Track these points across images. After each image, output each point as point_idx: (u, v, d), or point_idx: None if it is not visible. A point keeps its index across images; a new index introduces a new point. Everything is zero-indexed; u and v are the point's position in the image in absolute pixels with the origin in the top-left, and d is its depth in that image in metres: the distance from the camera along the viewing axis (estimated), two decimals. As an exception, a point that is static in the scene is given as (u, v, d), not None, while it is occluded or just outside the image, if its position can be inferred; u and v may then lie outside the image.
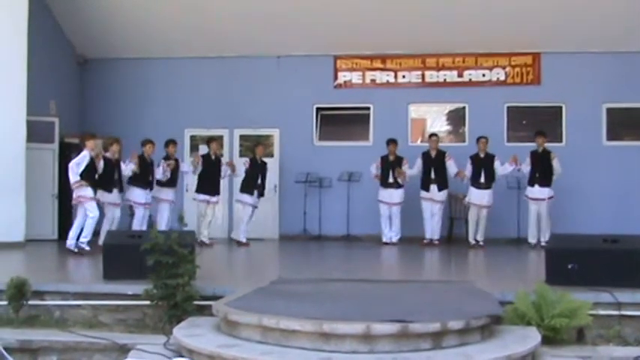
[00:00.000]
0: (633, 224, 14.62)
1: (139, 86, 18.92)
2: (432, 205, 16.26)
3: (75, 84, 18.92)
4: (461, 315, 6.57)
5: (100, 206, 14.12)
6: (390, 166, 16.42)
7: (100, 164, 14.08)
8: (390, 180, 16.40)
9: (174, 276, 8.10)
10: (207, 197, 16.20)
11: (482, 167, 15.82)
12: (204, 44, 18.26)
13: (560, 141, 17.54)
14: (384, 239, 16.43)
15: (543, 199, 15.45)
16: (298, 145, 18.10)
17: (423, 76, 18.46)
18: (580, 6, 16.26)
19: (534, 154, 15.68)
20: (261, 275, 10.22)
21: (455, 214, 17.19)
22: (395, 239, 16.36)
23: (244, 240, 16.21)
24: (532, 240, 15.58)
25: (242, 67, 18.64)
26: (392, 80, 18.56)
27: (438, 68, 18.39)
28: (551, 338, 7.29)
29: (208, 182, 16.20)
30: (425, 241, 16.21)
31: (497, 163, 15.73)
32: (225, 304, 7.23)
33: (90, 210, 13.52)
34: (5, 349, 7.43)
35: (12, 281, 8.33)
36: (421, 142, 18.58)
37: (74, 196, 13.64)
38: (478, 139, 16.10)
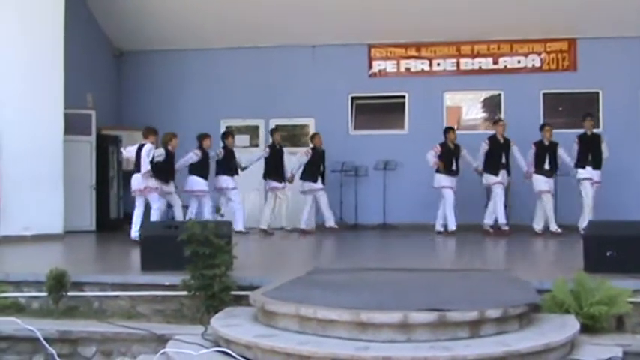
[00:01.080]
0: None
1: (174, 78, 19.00)
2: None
3: (111, 76, 19.07)
4: (499, 303, 6.54)
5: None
6: (452, 153, 16.27)
7: (162, 153, 14.51)
8: (453, 167, 16.25)
9: (210, 266, 8.12)
10: (276, 184, 16.71)
11: (549, 154, 15.72)
12: (239, 35, 18.29)
13: (598, 127, 17.38)
14: (438, 228, 16.34)
15: (597, 182, 15.31)
16: (334, 135, 18.05)
17: (457, 63, 18.41)
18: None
19: (583, 137, 15.54)
20: (298, 265, 10.24)
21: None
22: (454, 227, 16.12)
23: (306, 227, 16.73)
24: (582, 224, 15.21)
25: (277, 57, 18.66)
26: (427, 68, 18.52)
27: (473, 55, 18.33)
28: (590, 326, 7.24)
29: (274, 171, 16.67)
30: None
31: (560, 151, 15.58)
32: (262, 294, 7.24)
33: (153, 201, 13.98)
34: (45, 339, 7.51)
35: (52, 272, 8.39)
36: (457, 129, 18.51)
37: (140, 186, 13.97)
38: (543, 126, 15.98)
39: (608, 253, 8.52)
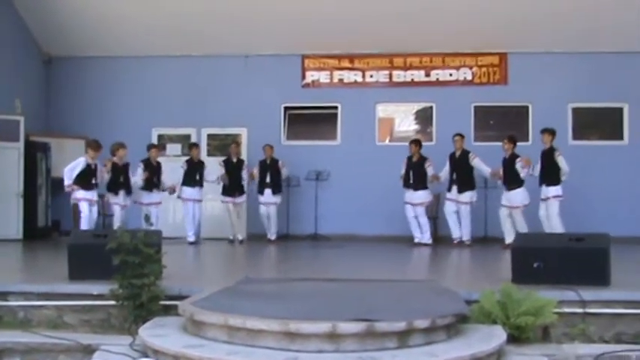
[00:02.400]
0: (597, 223, 14.70)
1: (105, 85, 18.81)
2: (458, 205, 16.04)
3: (40, 82, 18.80)
4: (427, 314, 6.57)
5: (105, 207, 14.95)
6: (413, 166, 16.24)
7: (106, 168, 14.67)
8: (411, 180, 16.19)
9: (139, 276, 8.03)
10: (233, 199, 16.84)
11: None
12: (172, 43, 18.19)
13: (527, 140, 17.63)
14: (416, 240, 16.24)
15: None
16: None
17: (390, 75, 18.53)
18: (546, 7, 16.37)
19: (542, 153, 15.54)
20: (228, 275, 10.19)
21: (436, 213, 17.14)
22: (426, 239, 16.14)
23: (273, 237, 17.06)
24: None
25: (210, 66, 18.60)
26: (360, 80, 18.60)
27: (406, 68, 18.46)
28: (517, 337, 7.31)
29: (233, 184, 16.79)
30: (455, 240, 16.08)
31: (518, 165, 15.61)
32: (191, 303, 7.18)
33: (82, 210, 14.01)
34: (-32, 350, 7.37)
35: (-25, 282, 8.24)
36: (389, 141, 18.65)
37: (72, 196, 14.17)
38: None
39: (535, 265, 8.61)
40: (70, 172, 13.92)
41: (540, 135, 15.41)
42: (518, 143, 15.86)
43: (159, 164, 15.97)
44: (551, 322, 7.64)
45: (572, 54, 17.76)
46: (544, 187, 15.04)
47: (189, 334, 6.79)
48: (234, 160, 16.90)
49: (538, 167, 15.18)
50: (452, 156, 15.99)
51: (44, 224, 17.40)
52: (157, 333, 6.82)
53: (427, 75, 18.48)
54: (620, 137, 18.09)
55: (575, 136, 18.05)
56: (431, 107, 18.64)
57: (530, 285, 8.13)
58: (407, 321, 6.30)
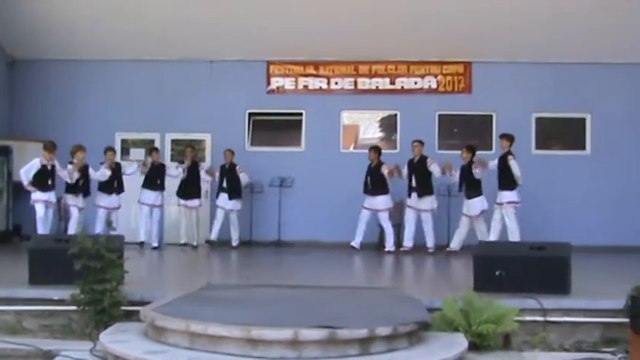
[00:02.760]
0: (559, 232, 14.81)
1: (69, 88, 18.65)
2: (417, 213, 16.13)
3: (3, 85, 18.61)
4: (389, 321, 6.58)
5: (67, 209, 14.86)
6: (372, 172, 16.31)
7: (75, 166, 14.69)
8: (370, 186, 16.27)
9: (101, 281, 7.98)
10: (186, 202, 16.73)
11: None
12: (137, 47, 18.09)
13: (491, 149, 17.73)
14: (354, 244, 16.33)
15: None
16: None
17: (355, 83, 18.55)
18: (510, 17, 16.48)
19: (410, 163, 15.97)
20: (190, 281, 10.15)
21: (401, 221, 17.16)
22: (389, 247, 16.23)
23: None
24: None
25: (174, 71, 18.52)
26: (325, 87, 18.60)
27: (371, 75, 18.49)
28: (478, 344, 7.35)
29: (189, 187, 16.75)
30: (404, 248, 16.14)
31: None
32: (152, 309, 7.15)
33: (37, 211, 14.04)
34: None
35: None
36: (354, 148, 18.68)
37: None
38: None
39: (497, 273, 8.65)
40: (25, 173, 14.00)
41: (499, 140, 15.64)
42: (482, 152, 15.99)
43: (118, 166, 15.93)
44: (512, 330, 7.69)
45: (537, 64, 17.89)
46: (499, 192, 15.26)
47: (150, 340, 6.76)
48: (189, 163, 16.78)
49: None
50: (411, 162, 16.07)
51: (5, 228, 17.21)
52: (118, 339, 6.78)
53: (392, 83, 18.52)
54: (583, 147, 18.24)
55: (539, 146, 18.20)
56: (395, 115, 18.68)
57: (492, 293, 8.17)
58: (369, 328, 6.32)
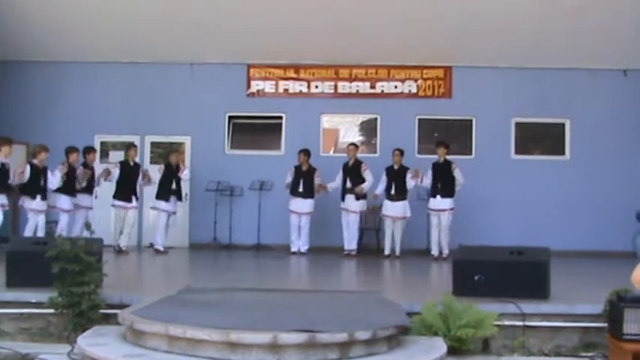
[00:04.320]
0: (538, 236, 14.79)
1: (48, 90, 18.55)
2: (349, 215, 16.28)
3: (-19, 86, 18.50)
4: (368, 325, 6.59)
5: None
6: (302, 175, 16.45)
7: (27, 170, 14.12)
8: (300, 189, 16.42)
9: (79, 284, 7.96)
10: (124, 204, 16.08)
11: (396, 179, 15.95)
12: (117, 49, 18.00)
13: (470, 154, 17.80)
14: (293, 249, 16.47)
15: (444, 210, 15.60)
16: (209, 153, 18.01)
17: (335, 86, 18.54)
18: (490, 22, 16.48)
19: (435, 166, 15.87)
20: (170, 284, 10.13)
21: (365, 224, 17.26)
22: (304, 249, 16.39)
23: (162, 248, 16.21)
24: (435, 252, 15.78)
25: (155, 73, 18.45)
26: (305, 90, 18.59)
27: (351, 79, 18.50)
28: (457, 348, 7.37)
29: (126, 189, 16.09)
30: (345, 251, 16.25)
31: (408, 177, 15.85)
32: (131, 312, 7.13)
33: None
34: None
35: None
36: (334, 152, 18.68)
37: None
38: (394, 151, 16.20)
39: (476, 277, 8.67)
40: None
41: (436, 148, 16.11)
42: (462, 156, 16.10)
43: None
44: (491, 335, 7.72)
45: (516, 69, 17.96)
46: (439, 199, 15.64)
47: (129, 344, 6.75)
48: (131, 163, 16.42)
49: (428, 181, 15.84)
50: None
51: (-18, 231, 17.10)
52: (96, 342, 6.75)
53: (372, 87, 18.53)
54: (562, 152, 18.29)
55: (518, 151, 18.24)
56: (376, 119, 18.70)
57: (471, 297, 8.19)
58: (348, 332, 6.33)
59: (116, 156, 17.84)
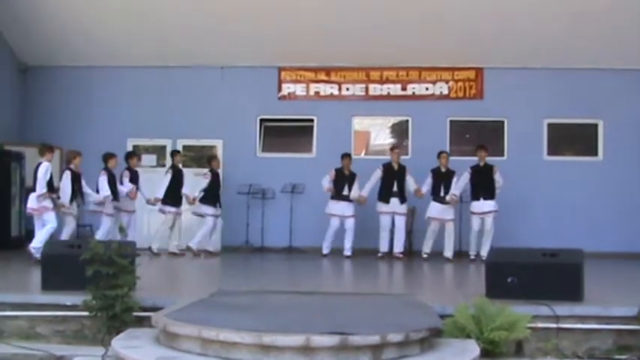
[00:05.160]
0: (571, 238, 14.73)
1: (81, 94, 18.70)
2: (395, 217, 16.18)
3: (16, 91, 18.66)
4: (400, 328, 6.58)
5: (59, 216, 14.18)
6: (346, 179, 16.40)
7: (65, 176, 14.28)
8: (345, 192, 16.36)
9: (113, 287, 8.00)
10: (174, 209, 16.43)
11: (444, 182, 15.89)
12: (149, 53, 18.12)
13: (502, 155, 17.73)
14: (325, 251, 16.47)
15: (489, 213, 15.56)
16: (241, 157, 18.04)
17: (366, 89, 18.52)
18: (522, 23, 16.46)
19: (475, 169, 15.82)
20: (202, 287, 10.16)
21: (411, 227, 17.20)
22: (349, 252, 16.29)
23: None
24: (472, 254, 15.76)
25: (186, 77, 18.53)
26: (336, 93, 18.59)
27: (382, 81, 18.47)
28: (490, 351, 7.33)
29: (175, 194, 16.43)
30: (380, 254, 16.17)
31: (455, 179, 15.83)
32: (164, 315, 7.16)
33: (49, 220, 13.53)
34: (-62, 361, 7.31)
35: (-53, 291, 8.17)
36: (365, 154, 18.67)
37: (35, 206, 13.60)
38: (440, 154, 16.15)
39: (509, 280, 8.63)
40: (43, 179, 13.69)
41: (477, 152, 16.12)
42: (494, 158, 16.05)
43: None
44: (524, 337, 7.67)
45: (548, 70, 17.85)
46: (483, 202, 15.69)
47: (162, 346, 6.77)
48: (177, 169, 16.63)
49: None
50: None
51: (17, 234, 17.23)
52: (130, 344, 6.78)
53: (403, 89, 18.49)
54: (595, 153, 18.16)
55: (550, 152, 18.14)
56: (407, 121, 18.66)
57: (504, 300, 8.15)
58: (381, 335, 6.31)
59: (148, 160, 17.98)
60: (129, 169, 15.72)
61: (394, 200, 16.15)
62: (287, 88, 18.72)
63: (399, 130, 19.06)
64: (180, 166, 16.77)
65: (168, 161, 17.48)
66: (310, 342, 6.10)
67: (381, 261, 15.67)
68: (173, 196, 16.40)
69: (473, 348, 6.90)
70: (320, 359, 6.14)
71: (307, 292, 9.45)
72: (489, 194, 15.66)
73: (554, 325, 7.99)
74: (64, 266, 8.89)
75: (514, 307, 7.79)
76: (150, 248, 15.94)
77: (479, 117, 18.46)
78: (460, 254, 16.26)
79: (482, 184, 15.67)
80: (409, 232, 16.96)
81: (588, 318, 8.13)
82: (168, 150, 18.22)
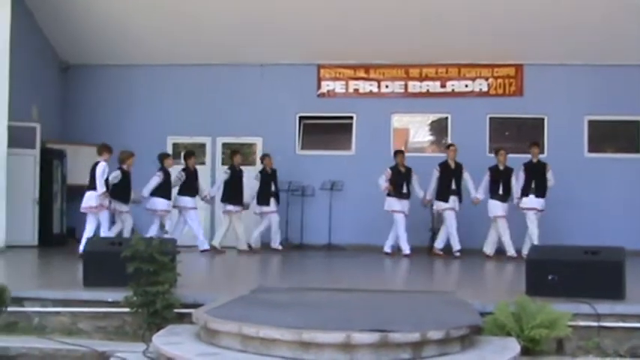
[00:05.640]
0: (612, 236, 14.60)
1: (121, 93, 18.87)
2: (452, 215, 16.03)
3: (57, 90, 18.87)
4: (441, 325, 6.56)
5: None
6: (403, 176, 16.29)
7: (118, 175, 14.53)
8: (404, 190, 16.26)
9: (154, 283, 8.05)
10: (236, 207, 16.64)
11: (503, 179, 15.76)
12: (188, 52, 18.22)
13: (542, 153, 17.54)
14: (386, 249, 16.30)
15: (538, 210, 15.44)
16: (281, 154, 18.04)
17: (406, 86, 18.50)
18: (562, 19, 16.33)
19: (528, 165, 15.70)
20: (243, 284, 10.20)
21: (435, 224, 17.19)
22: (408, 251, 16.13)
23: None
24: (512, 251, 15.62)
25: (226, 75, 18.62)
26: (375, 90, 18.58)
27: (421, 78, 18.43)
28: (531, 349, 7.29)
29: (236, 193, 16.66)
30: (456, 252, 15.99)
31: (513, 177, 15.72)
32: (205, 312, 7.18)
33: (103, 219, 13.90)
34: (-17, 356, 7.40)
35: (-9, 287, 8.27)
36: (404, 151, 18.61)
37: (94, 204, 13.79)
38: (498, 151, 16.08)
39: (549, 277, 8.59)
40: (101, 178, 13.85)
41: (530, 149, 15.92)
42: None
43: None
44: (565, 335, 7.62)
45: (588, 66, 17.68)
46: (533, 199, 15.55)
47: (203, 343, 6.79)
48: (237, 169, 16.82)
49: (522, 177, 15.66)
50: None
51: (59, 231, 17.44)
52: (170, 341, 6.82)
53: (443, 86, 18.45)
54: (636, 150, 17.98)
55: (591, 149, 17.98)
56: (446, 118, 18.61)
57: (545, 297, 8.10)
58: (421, 332, 6.29)
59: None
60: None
61: (453, 198, 16.01)
62: (326, 86, 18.75)
63: (439, 128, 19.02)
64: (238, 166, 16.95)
65: (208, 159, 17.68)
66: (350, 339, 6.09)
67: (418, 258, 15.62)
68: (233, 195, 16.58)
69: (513, 346, 6.86)
70: (360, 356, 6.13)
71: (347, 289, 9.46)
72: (540, 192, 15.55)
73: (595, 324, 7.93)
74: (106, 263, 8.96)
75: (555, 305, 7.74)
76: (249, 245, 16.66)
77: (519, 114, 18.36)
78: (499, 252, 16.18)
79: (535, 181, 15.54)
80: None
81: (630, 317, 8.04)
82: (208, 148, 18.39)
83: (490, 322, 7.55)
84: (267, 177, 16.91)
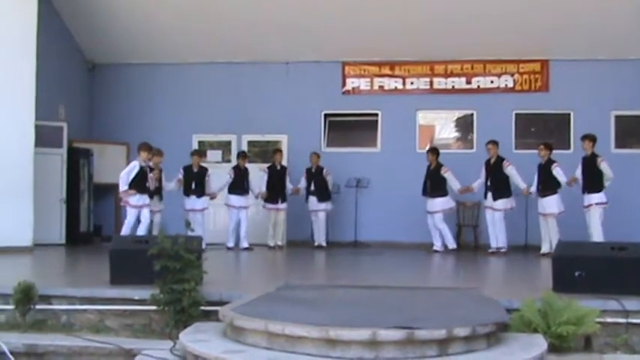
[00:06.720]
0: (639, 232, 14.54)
1: (147, 91, 18.97)
2: (494, 213, 15.79)
3: (84, 89, 18.98)
4: (467, 322, 6.54)
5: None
6: (433, 174, 16.23)
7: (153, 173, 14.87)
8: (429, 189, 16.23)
9: (180, 281, 8.07)
10: (274, 205, 17.01)
11: (544, 174, 15.36)
12: (213, 50, 18.29)
13: (569, 148, 17.50)
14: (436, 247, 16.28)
15: (593, 205, 14.99)
16: (306, 152, 18.00)
17: (431, 82, 18.45)
18: (588, 13, 16.23)
19: (585, 160, 15.12)
20: (269, 281, 10.22)
21: (463, 221, 17.17)
22: (453, 246, 16.11)
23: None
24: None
25: (251, 72, 18.67)
26: (400, 87, 18.55)
27: (446, 75, 18.38)
28: (558, 346, 7.26)
29: (275, 191, 17.00)
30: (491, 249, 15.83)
31: (555, 170, 15.25)
32: (231, 309, 7.20)
33: (135, 215, 14.20)
34: (11, 353, 7.45)
35: (19, 285, 8.32)
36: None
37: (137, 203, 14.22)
38: (539, 145, 15.71)
39: (576, 274, 8.54)
40: (126, 176, 14.01)
41: (581, 142, 15.22)
42: (560, 151, 15.78)
43: (203, 170, 16.13)
44: (593, 332, 7.58)
45: (615, 61, 17.58)
46: (586, 195, 14.81)
47: (229, 340, 6.81)
48: (278, 167, 16.94)
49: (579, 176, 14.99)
50: (487, 163, 15.85)
51: (86, 229, 17.54)
52: (197, 338, 6.84)
53: (468, 82, 18.39)
54: (664, 145, 17.89)
55: (618, 145, 17.86)
56: (472, 114, 18.56)
57: (572, 294, 8.06)
58: (447, 329, 6.28)
59: (214, 155, 18.20)
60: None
61: (489, 195, 15.79)
62: (351, 83, 18.75)
63: (464, 124, 18.98)
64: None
65: (233, 157, 17.80)
66: (376, 336, 6.09)
67: (445, 255, 15.60)
68: (272, 193, 16.90)
69: (540, 343, 6.84)
70: (386, 353, 6.13)
71: (373, 286, 9.45)
72: (592, 187, 14.78)
73: (623, 320, 7.88)
74: (132, 261, 9.00)
75: (582, 302, 7.71)
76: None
77: (544, 110, 18.29)
78: (526, 248, 16.12)
79: (588, 175, 14.90)
80: (475, 227, 16.87)
81: (659, 313, 8.00)
82: (234, 145, 18.44)
83: (516, 318, 7.52)
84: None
